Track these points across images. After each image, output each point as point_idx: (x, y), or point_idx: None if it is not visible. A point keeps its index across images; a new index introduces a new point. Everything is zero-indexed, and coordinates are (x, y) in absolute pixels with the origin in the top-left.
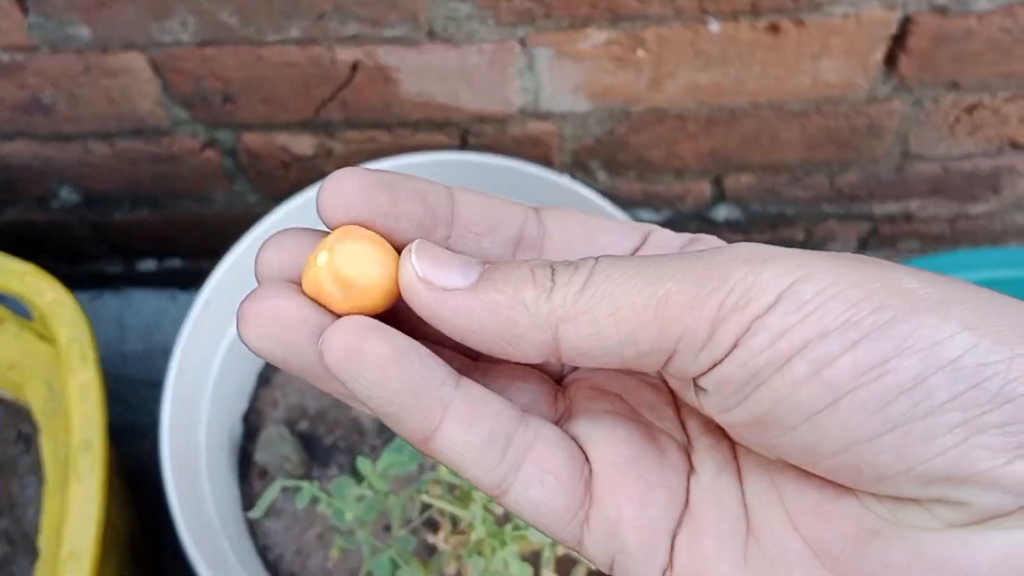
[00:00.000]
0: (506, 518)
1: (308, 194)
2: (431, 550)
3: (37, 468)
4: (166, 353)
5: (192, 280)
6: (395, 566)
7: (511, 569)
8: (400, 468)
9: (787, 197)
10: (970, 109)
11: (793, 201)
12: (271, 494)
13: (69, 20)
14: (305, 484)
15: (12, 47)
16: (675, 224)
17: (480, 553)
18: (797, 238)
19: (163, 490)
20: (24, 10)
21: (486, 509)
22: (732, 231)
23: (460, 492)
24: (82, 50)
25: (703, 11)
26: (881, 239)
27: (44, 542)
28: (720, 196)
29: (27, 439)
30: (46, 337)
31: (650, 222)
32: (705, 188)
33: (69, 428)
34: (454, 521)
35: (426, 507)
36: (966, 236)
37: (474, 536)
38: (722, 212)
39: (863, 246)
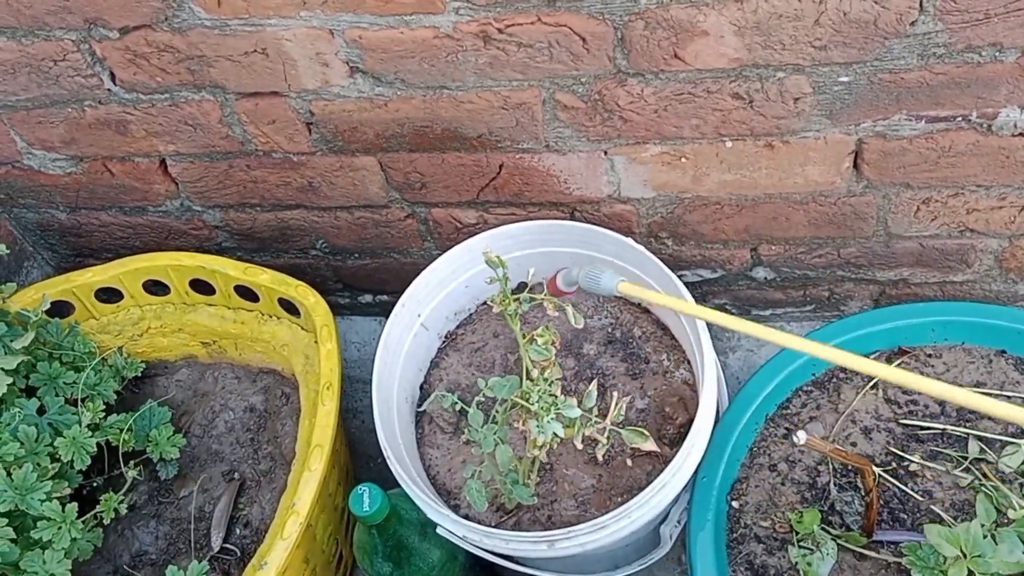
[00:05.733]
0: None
1: (456, 249)
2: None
3: (292, 414)
4: (373, 361)
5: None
6: (498, 442)
7: (553, 428)
8: (501, 390)
9: (807, 263)
10: (926, 202)
11: (812, 267)
12: (435, 402)
13: (333, 137)
14: (452, 396)
15: (300, 152)
16: (727, 280)
17: (536, 418)
18: (823, 295)
19: (355, 447)
20: (309, 131)
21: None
22: (772, 288)
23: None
24: (339, 154)
25: (720, 135)
26: (890, 298)
27: (299, 449)
28: (758, 261)
29: (287, 396)
30: (305, 328)
31: (707, 279)
32: (746, 254)
33: (318, 378)
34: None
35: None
36: (956, 299)
37: (534, 408)
38: (760, 273)
39: (876, 304)
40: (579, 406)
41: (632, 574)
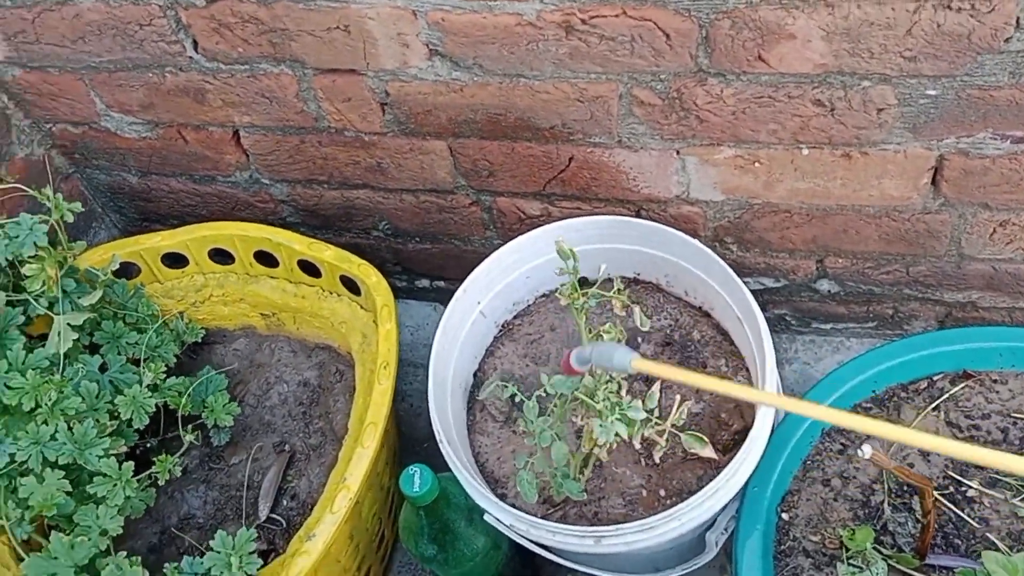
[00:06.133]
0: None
1: (521, 239)
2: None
3: (345, 391)
4: (425, 345)
5: (449, 298)
6: (555, 438)
7: (616, 428)
8: (562, 386)
9: (874, 279)
10: (1003, 224)
11: (879, 283)
12: (489, 391)
13: (406, 119)
14: (511, 387)
15: (372, 132)
16: (789, 291)
17: (599, 416)
18: (887, 313)
19: (401, 430)
20: (383, 111)
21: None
22: (835, 302)
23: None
24: (410, 136)
25: (797, 141)
26: (955, 320)
27: (351, 425)
28: (823, 273)
29: (341, 373)
30: (365, 307)
31: (769, 288)
32: (811, 265)
33: (375, 357)
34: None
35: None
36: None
37: (598, 407)
38: (824, 285)
39: (941, 325)
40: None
41: None
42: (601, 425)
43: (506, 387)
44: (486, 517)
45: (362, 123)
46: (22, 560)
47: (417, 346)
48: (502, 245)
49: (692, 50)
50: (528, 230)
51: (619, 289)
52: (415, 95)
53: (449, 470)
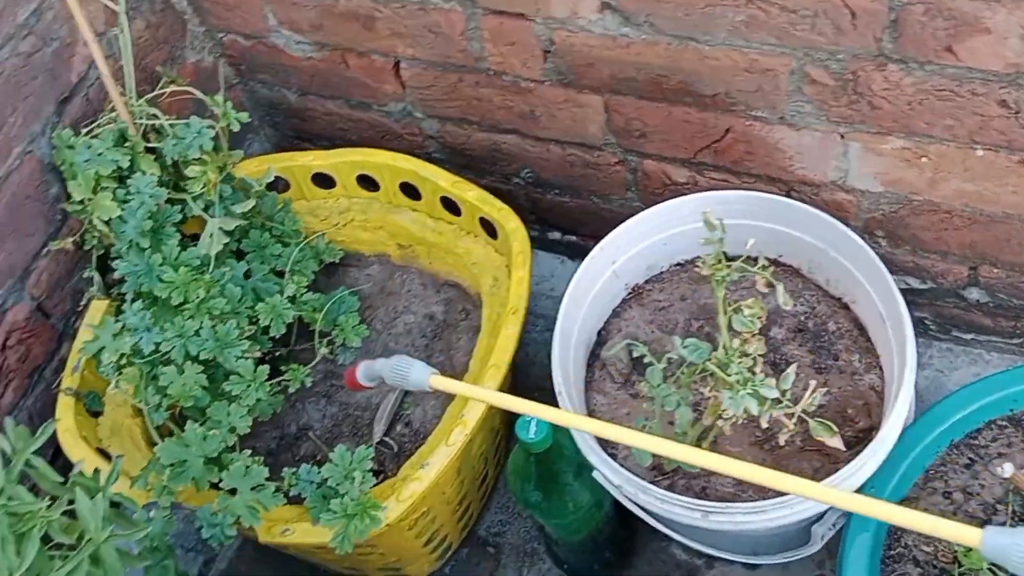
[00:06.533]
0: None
1: (666, 204)
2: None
3: (469, 330)
4: (548, 296)
5: (578, 253)
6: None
7: (747, 403)
8: (694, 353)
9: None
10: None
11: None
12: (619, 350)
13: (567, 70)
14: (642, 347)
15: (530, 79)
16: (934, 294)
17: (730, 389)
18: None
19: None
20: (545, 59)
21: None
22: (981, 312)
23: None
24: (567, 87)
25: (973, 141)
26: None
27: (473, 365)
28: (974, 281)
29: (467, 312)
30: (500, 251)
31: (914, 288)
32: (963, 272)
33: (504, 302)
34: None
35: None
36: None
37: (730, 380)
38: (974, 294)
39: None
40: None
41: (769, 565)
42: (731, 398)
43: (635, 347)
44: (595, 474)
45: (522, 68)
46: (154, 444)
47: (540, 296)
48: (641, 208)
49: (877, 32)
50: (670, 196)
51: (763, 266)
52: (580, 47)
53: None
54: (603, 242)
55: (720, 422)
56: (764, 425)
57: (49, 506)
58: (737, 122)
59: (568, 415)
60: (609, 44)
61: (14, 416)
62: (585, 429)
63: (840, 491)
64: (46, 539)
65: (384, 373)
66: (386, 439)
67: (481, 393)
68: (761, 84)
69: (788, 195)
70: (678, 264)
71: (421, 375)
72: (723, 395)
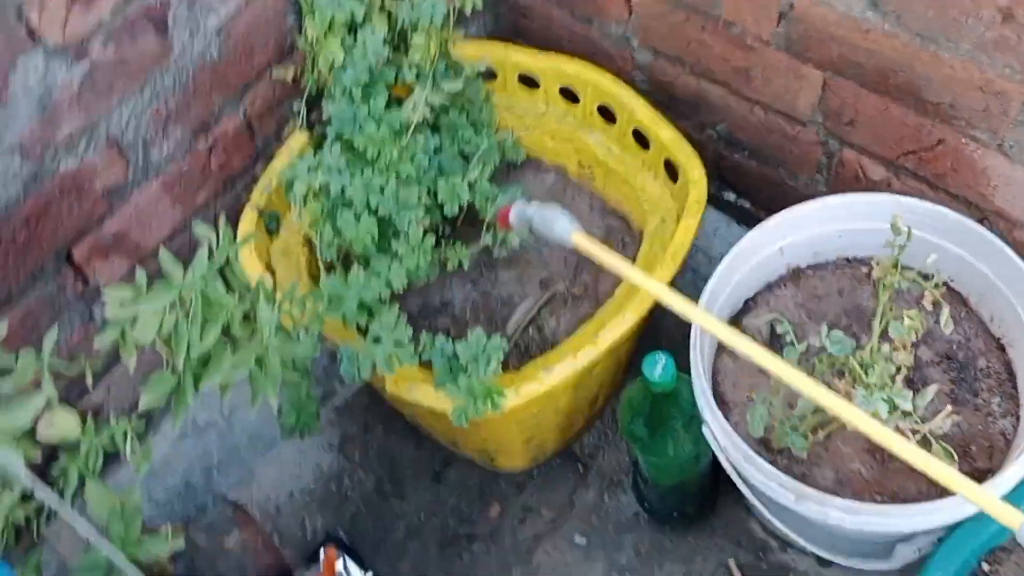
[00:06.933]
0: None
1: (855, 197)
2: None
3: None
4: (704, 253)
5: (746, 219)
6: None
7: (878, 406)
8: (837, 346)
9: None
10: None
11: None
12: (764, 319)
13: (797, 38)
14: (788, 323)
15: (758, 37)
16: None
17: (866, 388)
18: None
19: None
20: (778, 22)
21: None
22: None
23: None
24: (791, 55)
25: None
26: None
27: (619, 294)
28: None
29: (625, 244)
30: (674, 196)
31: None
32: None
33: (665, 244)
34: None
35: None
36: None
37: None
38: None
39: None
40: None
41: (842, 567)
42: (865, 396)
43: (781, 322)
44: (704, 429)
45: (753, 25)
46: (315, 275)
47: (696, 251)
48: (824, 192)
49: None
50: (858, 190)
51: (937, 284)
52: (818, 19)
53: (688, 375)
54: (779, 216)
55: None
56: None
57: (237, 303)
58: (952, 136)
59: (724, 328)
60: (848, 25)
61: (201, 215)
62: (741, 348)
63: (989, 493)
64: (225, 330)
65: (534, 218)
66: (516, 337)
67: (623, 267)
68: (989, 105)
69: (980, 222)
70: (846, 259)
71: (566, 228)
72: (857, 392)
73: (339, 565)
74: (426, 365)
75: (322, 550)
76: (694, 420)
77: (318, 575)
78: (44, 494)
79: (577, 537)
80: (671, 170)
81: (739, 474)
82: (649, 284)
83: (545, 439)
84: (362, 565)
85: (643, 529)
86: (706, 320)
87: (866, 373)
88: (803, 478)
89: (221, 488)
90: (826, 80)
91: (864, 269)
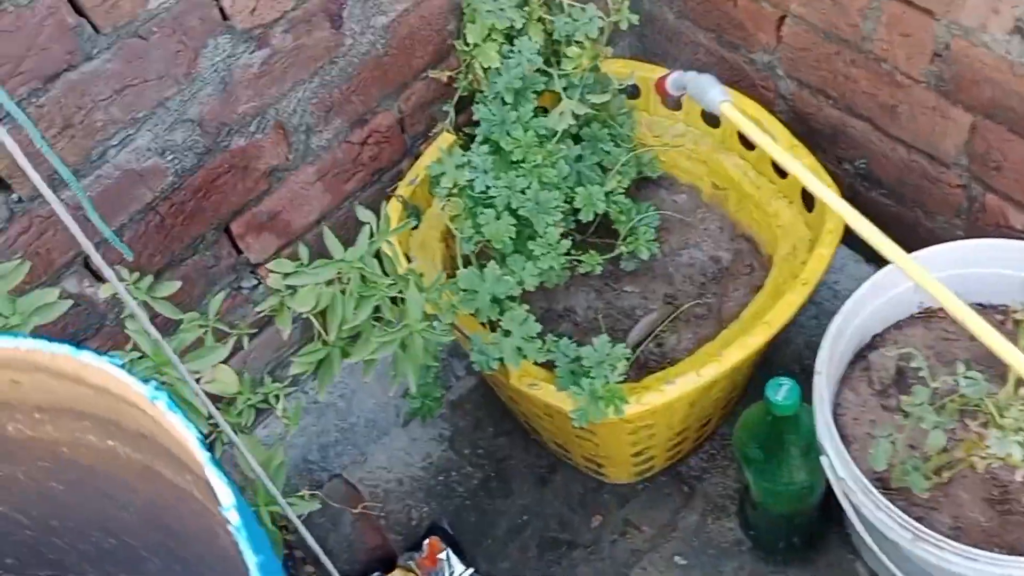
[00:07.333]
0: None
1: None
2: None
3: (748, 285)
4: (830, 287)
5: (875, 258)
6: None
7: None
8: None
9: None
10: None
11: None
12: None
13: (949, 79)
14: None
15: (908, 75)
16: None
17: (1000, 430)
18: None
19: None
20: (931, 61)
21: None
22: None
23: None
24: (941, 95)
25: None
26: None
27: (745, 317)
28: None
29: (752, 268)
30: (809, 224)
31: None
32: None
33: (795, 271)
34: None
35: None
36: None
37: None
38: None
39: None
40: None
41: None
42: (999, 438)
43: (915, 358)
44: (822, 459)
45: (904, 62)
46: (448, 268)
47: (823, 284)
48: (963, 237)
49: None
50: (998, 236)
51: None
52: (973, 60)
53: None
54: (924, 252)
55: (974, 458)
56: (1018, 479)
57: (390, 285)
58: None
59: (940, 288)
60: (1004, 67)
61: (349, 203)
62: (956, 312)
63: None
64: (375, 310)
65: (689, 84)
66: (637, 350)
67: (769, 144)
68: None
69: None
70: (980, 304)
71: (716, 97)
72: (991, 433)
73: (441, 557)
74: (547, 367)
75: (426, 540)
76: (811, 450)
77: (420, 560)
78: (223, 424)
79: (677, 558)
80: (808, 199)
81: (854, 508)
82: (798, 168)
83: (654, 454)
84: (464, 559)
85: (745, 557)
86: (910, 265)
87: (1001, 415)
88: (920, 521)
89: (335, 468)
90: (975, 123)
91: (998, 316)
